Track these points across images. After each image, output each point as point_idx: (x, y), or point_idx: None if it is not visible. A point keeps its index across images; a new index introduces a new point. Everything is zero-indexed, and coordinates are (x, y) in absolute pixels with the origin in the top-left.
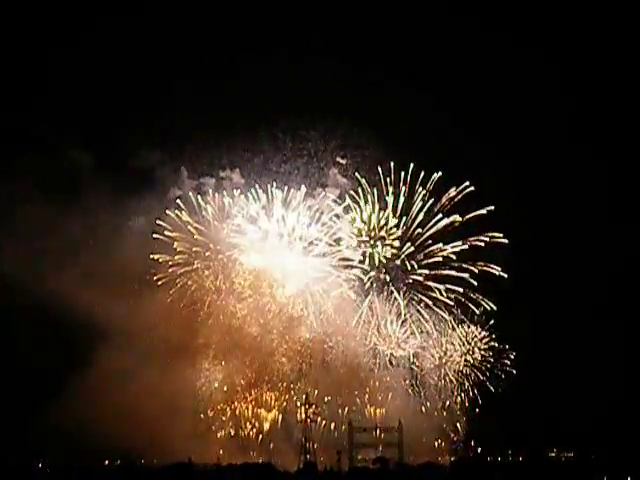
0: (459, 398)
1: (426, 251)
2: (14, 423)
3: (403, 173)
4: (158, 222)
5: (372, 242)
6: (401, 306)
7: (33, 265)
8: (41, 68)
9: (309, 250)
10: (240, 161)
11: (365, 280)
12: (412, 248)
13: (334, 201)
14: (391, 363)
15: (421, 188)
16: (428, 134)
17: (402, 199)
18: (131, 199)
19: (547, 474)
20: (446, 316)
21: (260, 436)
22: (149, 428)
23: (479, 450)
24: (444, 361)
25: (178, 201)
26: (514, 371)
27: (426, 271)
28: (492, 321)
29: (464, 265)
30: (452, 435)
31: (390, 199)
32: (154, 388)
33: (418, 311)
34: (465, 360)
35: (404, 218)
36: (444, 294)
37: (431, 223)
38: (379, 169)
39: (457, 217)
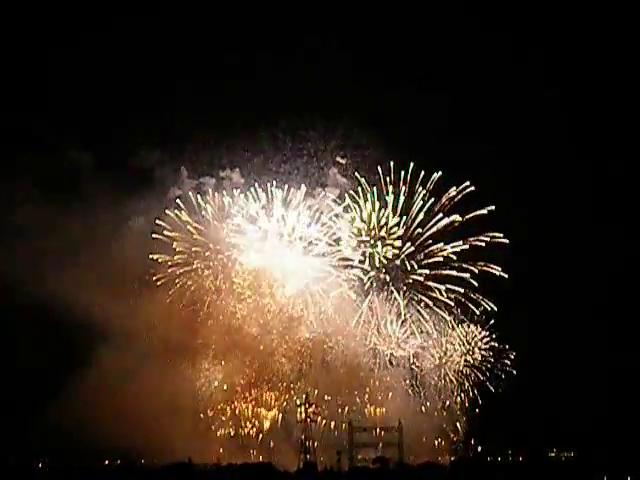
0: (459, 398)
1: (426, 251)
2: (14, 423)
3: (403, 173)
4: (158, 222)
5: (372, 242)
6: (401, 306)
7: (33, 265)
8: (41, 68)
9: (309, 250)
10: (240, 161)
11: (365, 280)
12: (412, 248)
13: (334, 201)
14: (391, 363)
15: (421, 188)
16: (428, 134)
17: (402, 199)
18: (131, 199)
19: (547, 474)
20: (446, 316)
21: (260, 435)
22: (149, 428)
23: (479, 449)
24: (444, 361)
25: (178, 201)
26: (514, 371)
27: (426, 271)
28: (492, 321)
29: (464, 265)
30: (452, 435)
31: (390, 199)
32: (154, 388)
33: (418, 311)
34: (465, 360)
35: (404, 218)
36: (444, 294)
37: (431, 223)
38: (379, 169)
39: (457, 217)
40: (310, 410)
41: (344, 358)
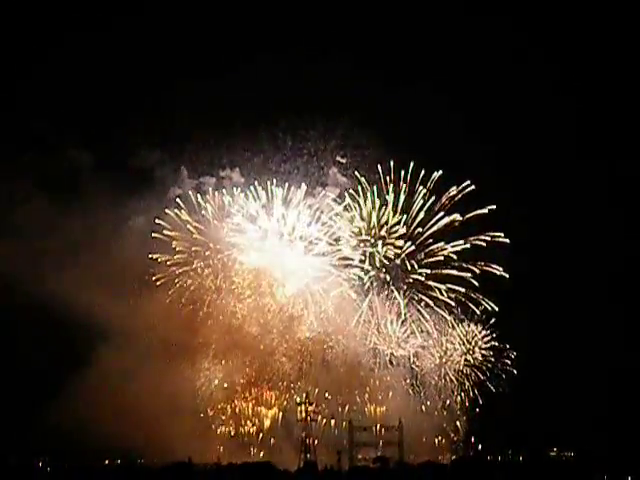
0: (459, 397)
1: (426, 250)
2: (14, 423)
3: (403, 172)
4: (158, 221)
5: (372, 241)
6: (401, 306)
7: (33, 265)
8: (41, 68)
9: (309, 249)
10: (240, 160)
11: (365, 279)
12: (412, 247)
13: (334, 200)
14: (391, 363)
15: (421, 187)
16: (428, 133)
17: (402, 198)
18: (131, 199)
19: (547, 473)
20: (446, 316)
21: (260, 435)
22: (149, 428)
23: (479, 447)
24: (444, 360)
25: (178, 200)
26: (515, 371)
27: (427, 270)
28: (493, 320)
29: (465, 265)
30: (452, 435)
31: (390, 198)
32: (154, 388)
33: (418, 311)
34: (465, 360)
35: (404, 217)
36: (444, 294)
37: (432, 222)
38: (379, 168)
39: (458, 216)
40: (310, 409)
41: (344, 357)
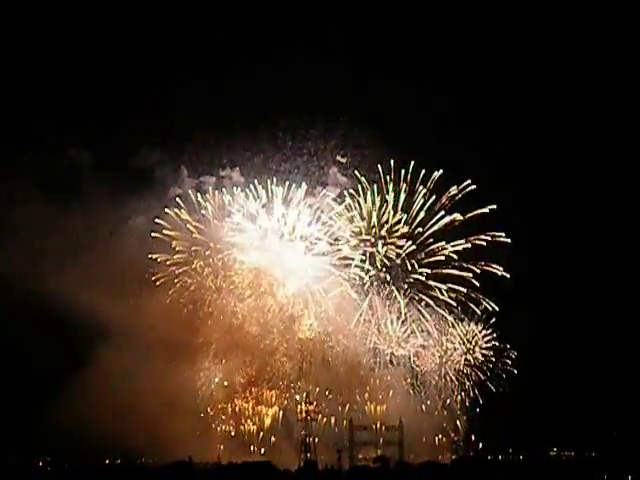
0: (459, 397)
1: (427, 250)
2: (14, 423)
3: (403, 171)
4: (157, 221)
5: (373, 241)
6: (402, 305)
7: (33, 265)
8: (41, 68)
9: (309, 249)
10: (240, 160)
11: (366, 279)
12: (413, 247)
13: (334, 200)
14: (391, 362)
15: (421, 187)
16: (428, 133)
17: (403, 198)
18: (131, 198)
19: (547, 473)
20: (447, 315)
21: (261, 434)
22: (149, 427)
23: (480, 446)
24: (444, 360)
25: (178, 200)
26: (515, 371)
27: (427, 270)
28: (493, 319)
29: (465, 265)
30: (452, 435)
31: (391, 197)
32: (154, 387)
33: (419, 310)
34: (466, 359)
35: (404, 216)
36: (444, 294)
37: (432, 222)
38: (379, 168)
39: (458, 216)
40: (311, 408)
41: (344, 357)
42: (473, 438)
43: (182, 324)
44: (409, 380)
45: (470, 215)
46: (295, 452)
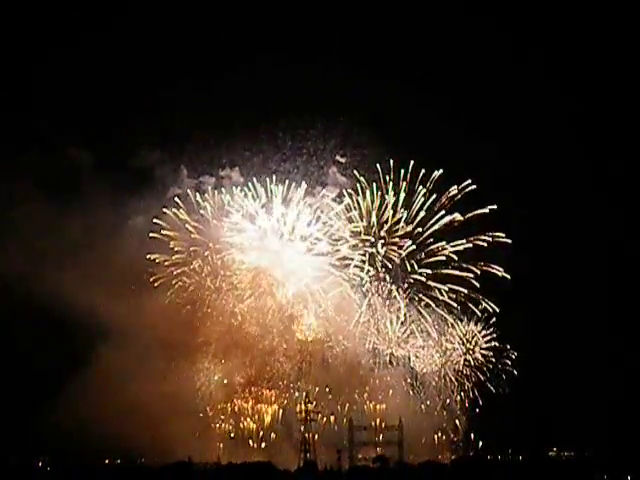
0: (459, 397)
1: (427, 250)
2: (14, 423)
3: (403, 171)
4: (157, 221)
5: (372, 241)
6: (401, 305)
7: (33, 265)
8: (41, 68)
9: (309, 249)
10: (240, 160)
11: (365, 279)
12: (413, 247)
13: (334, 200)
14: (391, 362)
15: (421, 186)
16: (428, 132)
17: (402, 197)
18: (131, 198)
19: (547, 473)
20: (447, 316)
21: (261, 433)
22: (149, 427)
23: (480, 445)
24: (444, 361)
25: (177, 199)
26: (515, 371)
27: (427, 270)
28: (494, 319)
29: (465, 265)
30: (452, 435)
31: (390, 197)
32: (154, 387)
33: (418, 311)
34: (465, 360)
35: (404, 216)
36: (445, 294)
37: (432, 221)
38: (379, 167)
39: (458, 215)
40: (310, 408)
41: (344, 357)
42: (473, 437)
43: (182, 324)
44: (409, 380)
45: (470, 215)
46: (295, 452)
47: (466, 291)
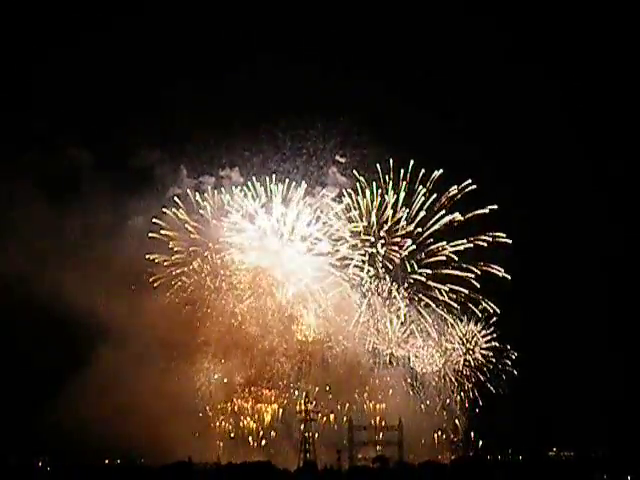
0: (459, 397)
1: (427, 250)
2: (14, 423)
3: (403, 171)
4: (156, 221)
5: (372, 240)
6: (401, 305)
7: (33, 265)
8: (41, 68)
9: (309, 249)
10: (240, 160)
11: (365, 279)
12: (413, 247)
13: (334, 200)
14: (391, 362)
15: (421, 186)
16: (428, 132)
17: (402, 197)
18: (131, 198)
19: (547, 473)
20: (447, 316)
21: (260, 433)
22: (149, 427)
23: (480, 444)
24: (444, 361)
25: (176, 199)
26: (515, 371)
27: (427, 271)
28: (494, 319)
29: (465, 265)
30: (452, 435)
31: (390, 197)
32: (154, 387)
33: (418, 311)
34: (465, 360)
35: (404, 216)
36: (444, 294)
37: (432, 221)
38: (378, 167)
39: (458, 215)
40: (310, 408)
41: (344, 357)
42: (473, 436)
43: (182, 324)
44: (409, 380)
45: (470, 215)
46: (295, 452)
47: (466, 291)
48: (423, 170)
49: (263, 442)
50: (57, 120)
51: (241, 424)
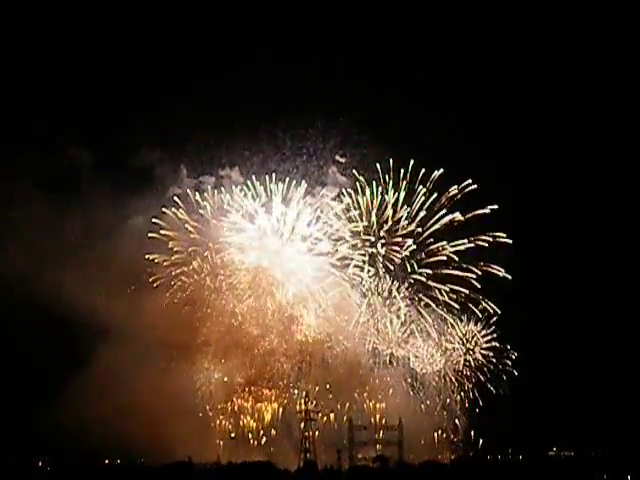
0: (459, 397)
1: (427, 250)
2: (14, 422)
3: (403, 170)
4: (156, 221)
5: (372, 240)
6: (401, 305)
7: (33, 265)
8: (41, 68)
9: (309, 249)
10: (239, 160)
11: (365, 279)
12: (413, 247)
13: (334, 199)
14: (391, 362)
15: (421, 186)
16: (428, 132)
17: (402, 197)
18: (131, 198)
19: (547, 473)
20: (447, 316)
21: (260, 432)
22: (149, 427)
23: (480, 443)
24: (444, 361)
25: (176, 199)
26: (515, 371)
27: (427, 271)
28: (495, 318)
29: (466, 266)
30: (452, 436)
31: (390, 197)
32: (154, 387)
33: (418, 311)
34: (465, 360)
35: (404, 216)
36: (444, 294)
37: (432, 221)
38: (378, 167)
39: (459, 215)
40: (310, 408)
41: (344, 357)
42: (473, 435)
43: (182, 324)
44: (409, 380)
45: (470, 215)
46: (295, 452)
47: (467, 291)
48: (423, 170)
49: (263, 442)
50: (57, 120)
51: (241, 423)
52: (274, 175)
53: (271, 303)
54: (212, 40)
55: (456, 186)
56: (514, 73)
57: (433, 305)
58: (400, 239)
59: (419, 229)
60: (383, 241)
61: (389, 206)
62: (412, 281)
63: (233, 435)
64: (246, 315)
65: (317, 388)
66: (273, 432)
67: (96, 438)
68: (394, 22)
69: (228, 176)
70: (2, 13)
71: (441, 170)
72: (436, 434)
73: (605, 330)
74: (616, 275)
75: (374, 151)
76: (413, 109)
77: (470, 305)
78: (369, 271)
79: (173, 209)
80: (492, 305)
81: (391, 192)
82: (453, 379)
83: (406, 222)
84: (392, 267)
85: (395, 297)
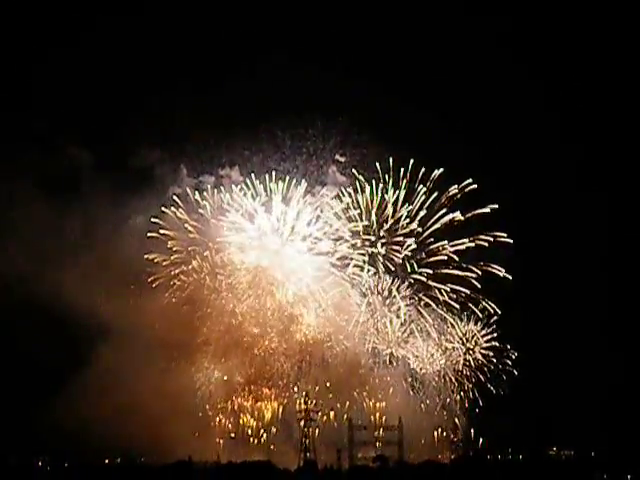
0: (459, 397)
1: (427, 249)
2: (14, 422)
3: (403, 170)
4: (156, 220)
5: (372, 240)
6: (401, 305)
7: (33, 265)
8: (41, 68)
9: (309, 248)
10: (239, 159)
11: (365, 279)
12: (413, 247)
13: (333, 199)
14: (391, 362)
15: (421, 186)
16: (428, 132)
17: (402, 197)
18: (131, 198)
19: (547, 473)
20: (447, 316)
21: (260, 432)
22: (149, 427)
23: (481, 442)
24: (444, 361)
25: (176, 199)
26: (515, 371)
27: (428, 270)
28: (495, 318)
29: (466, 265)
30: (452, 436)
31: (390, 196)
32: (154, 387)
33: (418, 311)
34: (465, 360)
35: (404, 215)
36: (445, 294)
37: (432, 220)
38: (378, 167)
39: (459, 215)
40: (310, 407)
41: (344, 357)
42: (473, 433)
43: (181, 324)
44: (409, 380)
45: (471, 215)
46: (295, 452)
47: (467, 291)
48: (423, 169)
49: (263, 441)
50: (57, 120)
51: (241, 422)
52: (274, 174)
53: (271, 303)
54: (212, 40)
55: (456, 185)
56: (514, 73)
57: (433, 305)
58: (400, 239)
59: (419, 229)
60: (383, 241)
61: (389, 205)
62: (412, 281)
63: (233, 434)
64: (246, 315)
65: (317, 387)
66: (273, 431)
67: (96, 438)
68: (394, 22)
69: (228, 175)
70: (2, 13)
71: (441, 169)
72: (436, 434)
73: (605, 330)
74: (616, 275)
75: (374, 150)
76: (413, 109)
77: (470, 305)
78: (369, 271)
79: (173, 209)
80: (492, 305)
81: (391, 191)
82: (453, 379)
83: (406, 222)
84: (392, 267)
85: (395, 297)
